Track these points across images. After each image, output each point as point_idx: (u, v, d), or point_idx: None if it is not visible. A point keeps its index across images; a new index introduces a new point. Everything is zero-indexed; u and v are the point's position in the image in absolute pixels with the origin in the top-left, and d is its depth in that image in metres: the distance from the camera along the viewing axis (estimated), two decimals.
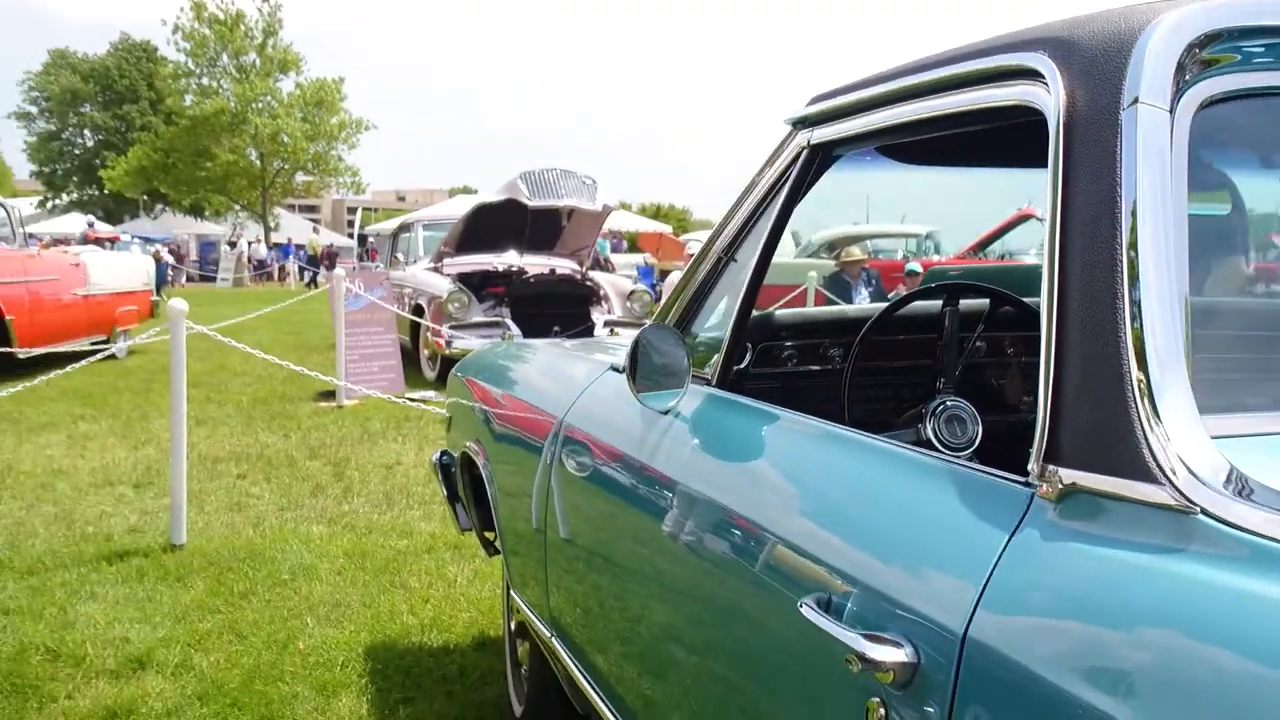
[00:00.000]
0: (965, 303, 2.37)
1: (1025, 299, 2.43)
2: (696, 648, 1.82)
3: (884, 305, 2.34)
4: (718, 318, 2.18)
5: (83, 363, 6.09)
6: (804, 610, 1.34)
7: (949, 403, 2.20)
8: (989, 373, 2.57)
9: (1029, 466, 1.20)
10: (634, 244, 34.78)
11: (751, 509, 1.63)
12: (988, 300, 2.41)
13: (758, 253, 1.97)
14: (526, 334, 10.44)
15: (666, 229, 37.52)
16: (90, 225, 36.83)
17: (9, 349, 9.79)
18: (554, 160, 13.59)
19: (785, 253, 21.74)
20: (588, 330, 10.90)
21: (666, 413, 2.02)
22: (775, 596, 1.49)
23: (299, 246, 41.64)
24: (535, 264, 11.76)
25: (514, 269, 11.55)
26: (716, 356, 2.04)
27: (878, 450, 1.53)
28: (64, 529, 5.32)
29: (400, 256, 13.66)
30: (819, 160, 1.95)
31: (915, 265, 14.30)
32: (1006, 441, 2.29)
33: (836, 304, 12.34)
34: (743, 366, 2.28)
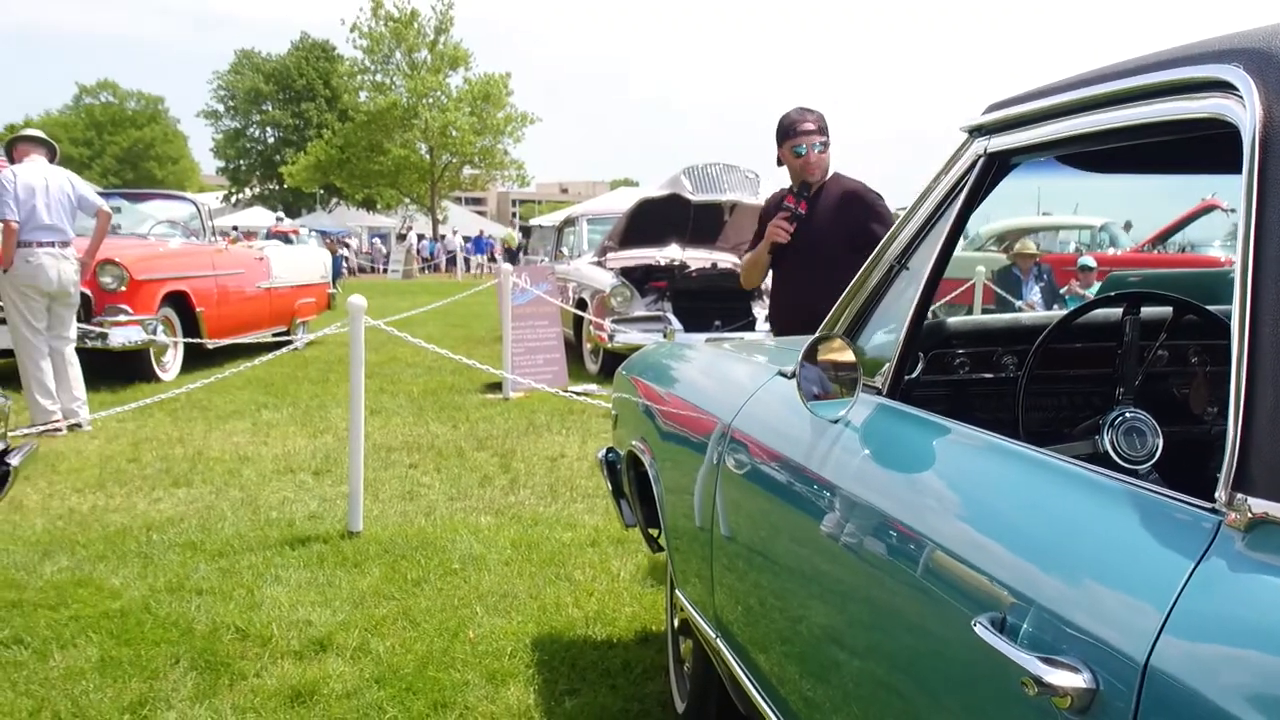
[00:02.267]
0: (1147, 310, 2.30)
1: (1210, 307, 2.34)
2: (861, 655, 1.82)
3: (1061, 314, 2.28)
4: (888, 326, 2.17)
5: (269, 356, 6.40)
6: (977, 629, 1.33)
7: (1128, 414, 2.14)
8: (1170, 383, 2.49)
9: (1216, 494, 1.18)
10: None
11: (923, 522, 1.63)
12: (1169, 308, 2.33)
13: (931, 262, 1.96)
14: (688, 328, 10.49)
15: None
16: (279, 220, 38.71)
17: (199, 339, 10.33)
18: (715, 154, 13.59)
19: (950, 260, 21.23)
20: (748, 325, 10.88)
21: (836, 421, 2.02)
22: (947, 612, 1.49)
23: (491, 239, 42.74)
24: (697, 258, 11.79)
25: (676, 263, 11.60)
26: (887, 365, 2.04)
27: (1055, 468, 1.51)
28: (250, 514, 5.61)
29: (565, 250, 13.89)
30: (996, 168, 1.92)
31: (1089, 259, 13.84)
32: (1188, 455, 2.22)
33: (1006, 299, 12.05)
34: (914, 375, 2.27)
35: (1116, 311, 2.30)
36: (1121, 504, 1.34)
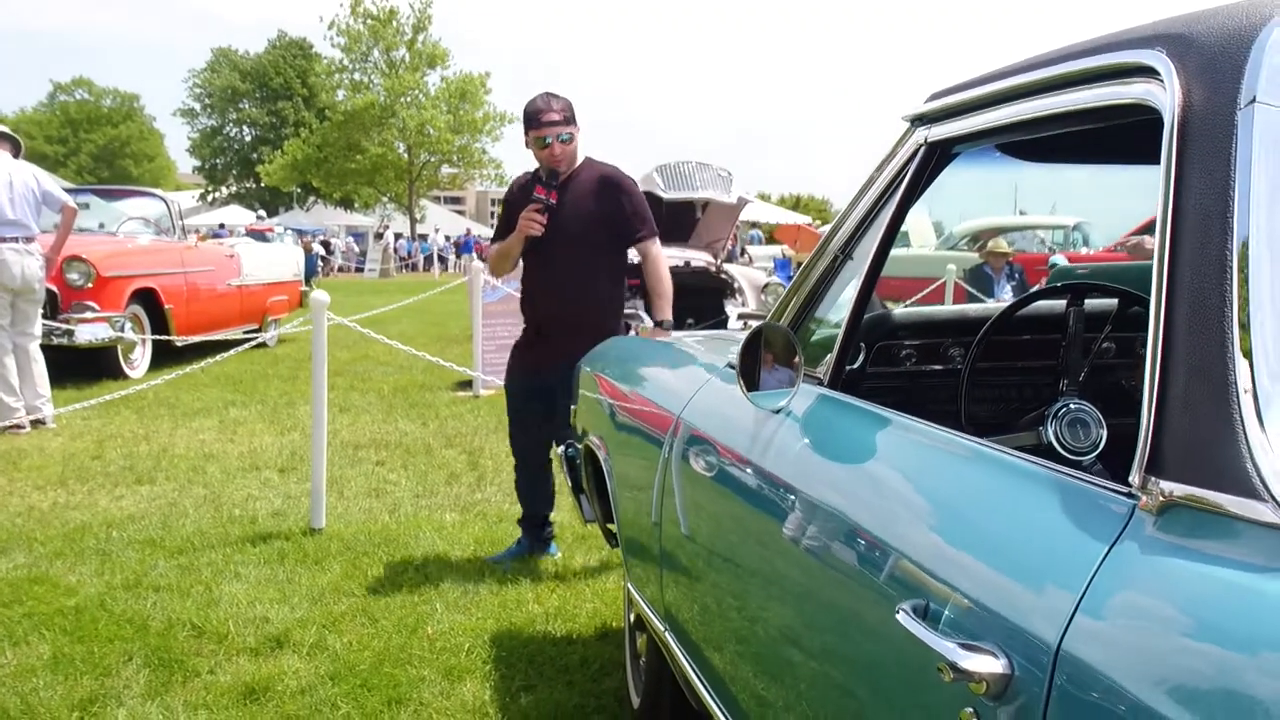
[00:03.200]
0: (1093, 302, 2.30)
1: None
2: (799, 648, 1.81)
3: (1005, 305, 2.28)
4: (831, 316, 2.16)
5: (235, 351, 6.36)
6: (900, 617, 1.33)
7: (1072, 405, 2.14)
8: (1116, 375, 2.49)
9: (1130, 477, 1.17)
10: (771, 236, 34.59)
11: (856, 512, 1.62)
12: (1115, 300, 2.33)
13: (873, 251, 1.95)
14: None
15: (806, 220, 37.18)
16: (259, 218, 38.76)
17: (167, 337, 10.26)
18: (691, 153, 13.59)
19: (925, 245, 21.34)
20: (721, 323, 10.88)
21: (778, 412, 2.01)
22: (876, 602, 1.48)
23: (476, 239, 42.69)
24: (669, 256, 11.73)
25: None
26: (829, 356, 2.03)
27: (984, 456, 1.50)
28: (212, 511, 5.56)
29: None
30: (937, 157, 1.91)
31: (1060, 258, 13.88)
32: (1133, 446, 2.22)
33: (977, 298, 12.07)
34: (857, 366, 2.26)
35: (1062, 303, 2.30)
36: (1043, 490, 1.33)
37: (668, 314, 4.64)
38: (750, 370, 2.00)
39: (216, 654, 3.73)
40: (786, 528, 1.81)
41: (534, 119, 4.46)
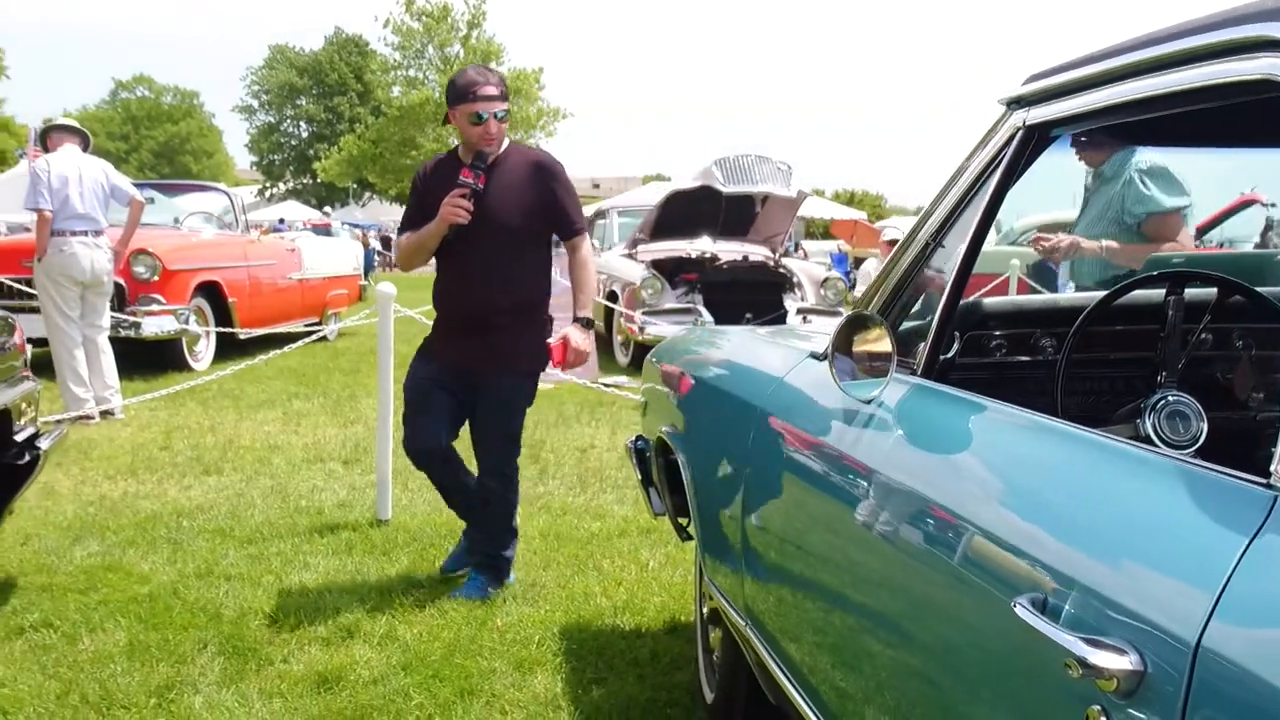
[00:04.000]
0: (1190, 292, 2.24)
1: (1258, 289, 2.28)
2: (898, 643, 1.77)
3: (1102, 294, 2.22)
4: (923, 306, 2.12)
5: (298, 344, 6.40)
6: (1018, 610, 1.28)
7: (1170, 397, 2.08)
8: (1214, 366, 2.42)
9: (1272, 467, 1.12)
10: (827, 231, 34.33)
11: (960, 504, 1.58)
12: (1214, 289, 2.27)
13: (968, 239, 1.91)
14: (719, 321, 10.43)
15: (861, 215, 36.86)
16: (325, 213, 39.35)
17: (231, 330, 10.37)
18: (748, 145, 13.51)
19: (986, 240, 21.02)
20: (780, 318, 10.82)
21: (869, 402, 1.97)
22: (985, 595, 1.44)
23: None
24: (728, 250, 11.72)
25: (707, 255, 11.54)
26: (923, 345, 1.98)
27: (1097, 445, 1.46)
28: (279, 502, 5.61)
29: (596, 243, 13.86)
30: (1035, 141, 1.87)
31: None
32: (1232, 441, 2.16)
33: (1041, 292, 11.89)
34: (949, 356, 2.21)
35: (1158, 293, 2.24)
36: (1169, 481, 1.28)
37: (589, 311, 4.25)
38: (842, 359, 1.96)
39: (289, 643, 3.75)
40: (885, 520, 1.77)
41: (468, 91, 4.01)
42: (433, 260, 4.30)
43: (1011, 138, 1.88)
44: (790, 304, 11.04)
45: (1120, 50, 1.63)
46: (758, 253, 11.95)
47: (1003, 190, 1.89)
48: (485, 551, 4.31)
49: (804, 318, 10.74)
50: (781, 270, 11.48)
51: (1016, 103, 1.90)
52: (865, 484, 1.88)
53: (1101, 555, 1.28)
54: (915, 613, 1.71)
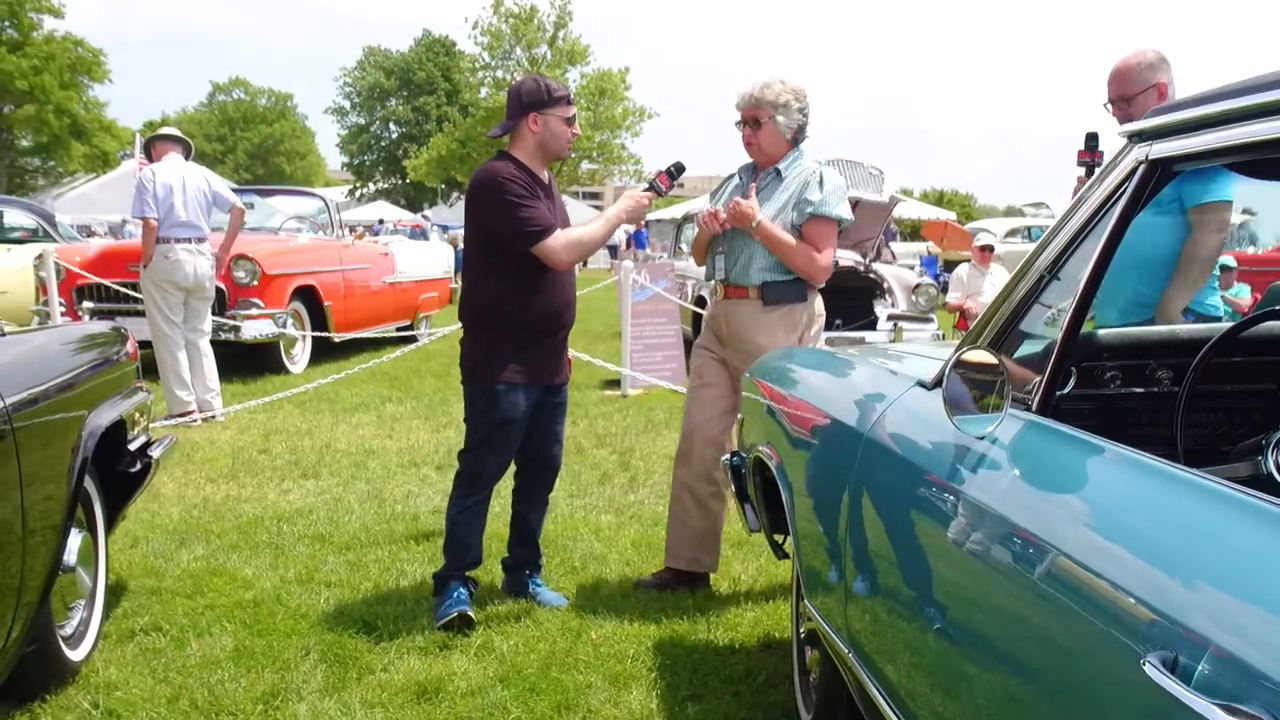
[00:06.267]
0: None
1: None
2: (1013, 687, 1.75)
3: (1224, 326, 2.17)
4: (1037, 338, 2.09)
5: (396, 354, 6.48)
6: (1147, 668, 1.26)
7: None
8: None
9: None
10: (916, 232, 33.87)
11: (1084, 550, 1.55)
12: None
13: (1087, 272, 1.87)
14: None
15: (950, 216, 36.32)
16: (425, 217, 39.92)
17: (326, 333, 10.57)
18: (838, 149, 13.39)
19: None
20: (870, 324, 10.71)
21: (983, 438, 1.95)
22: (1112, 648, 1.41)
23: None
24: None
25: None
26: (1038, 380, 1.95)
27: (1229, 497, 1.42)
28: (376, 507, 5.70)
29: (684, 247, 13.84)
30: (1159, 175, 1.83)
31: (1229, 259, 13.27)
32: None
33: None
34: (1065, 391, 2.17)
35: (1277, 324, 2.18)
36: None
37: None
38: (955, 393, 1.94)
39: (388, 652, 3.81)
40: (1003, 560, 1.75)
41: (564, 95, 4.14)
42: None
43: (1134, 171, 1.84)
44: (881, 310, 10.91)
45: (1251, 89, 1.59)
46: (848, 258, 11.82)
47: (1124, 223, 1.86)
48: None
49: (895, 324, 10.62)
50: (872, 276, 11.35)
51: (1139, 136, 1.86)
52: (978, 523, 1.86)
53: (1237, 614, 1.25)
54: (1033, 658, 1.69)
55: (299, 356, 10.55)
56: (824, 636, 2.83)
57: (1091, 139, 4.24)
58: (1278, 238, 16.66)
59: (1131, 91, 3.99)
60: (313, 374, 9.81)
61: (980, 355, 1.95)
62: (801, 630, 3.31)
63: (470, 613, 4.04)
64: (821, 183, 4.27)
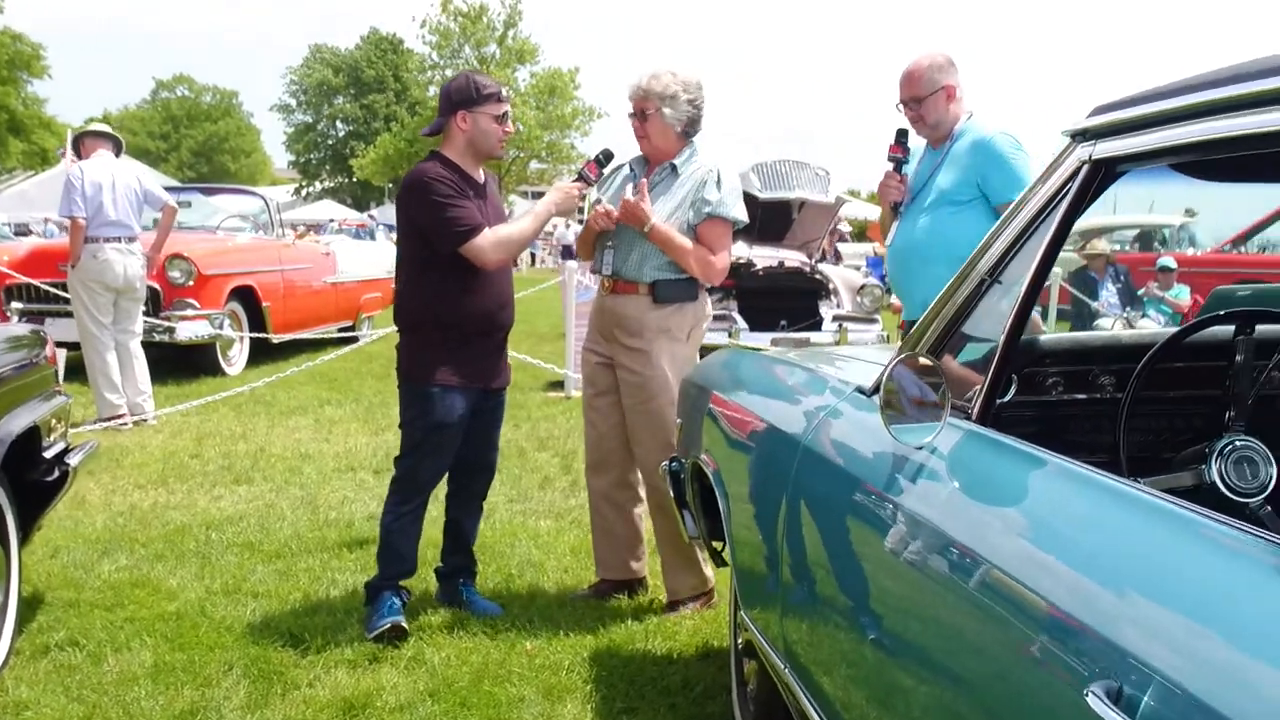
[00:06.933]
0: (1258, 328, 2.12)
1: None
2: (954, 706, 1.67)
3: (1168, 332, 2.11)
4: (977, 345, 2.01)
5: (338, 354, 6.34)
6: (1090, 700, 1.18)
7: (1238, 442, 1.97)
8: (1277, 404, 2.30)
9: None
10: (862, 233, 34.02)
11: (1024, 569, 1.47)
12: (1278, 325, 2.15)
13: (1029, 276, 1.80)
14: (753, 327, 10.31)
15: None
16: (371, 217, 39.68)
17: (265, 335, 10.37)
18: (782, 150, 13.36)
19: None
20: (815, 325, 10.68)
21: (921, 448, 1.87)
22: (1053, 675, 1.33)
23: None
24: (764, 257, 11.58)
25: (743, 261, 11.40)
26: (978, 389, 1.88)
27: (1182, 519, 1.35)
28: (309, 513, 5.55)
29: None
30: (1101, 176, 1.76)
31: (1169, 260, 13.41)
32: None
33: (1082, 301, 11.70)
34: (1005, 400, 2.10)
35: (1221, 330, 2.12)
36: (1265, 565, 1.18)
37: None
38: (893, 402, 1.86)
39: (315, 665, 3.68)
40: (939, 578, 1.67)
41: (496, 92, 4.01)
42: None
43: (1076, 172, 1.77)
44: (826, 311, 10.89)
45: (1200, 85, 1.52)
46: (794, 259, 11.80)
47: (1067, 225, 1.79)
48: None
49: (840, 325, 10.60)
50: (818, 277, 11.33)
51: (1082, 135, 1.79)
52: (916, 537, 1.78)
53: (1185, 645, 1.17)
54: (966, 675, 1.61)
55: (236, 358, 10.35)
56: (759, 649, 2.75)
57: (902, 134, 4.25)
58: (1217, 240, 16.86)
59: (922, 93, 4.10)
60: (250, 376, 9.62)
61: (919, 362, 1.87)
62: (739, 641, 3.23)
63: (403, 623, 3.92)
64: (719, 183, 4.16)
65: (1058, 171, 1.83)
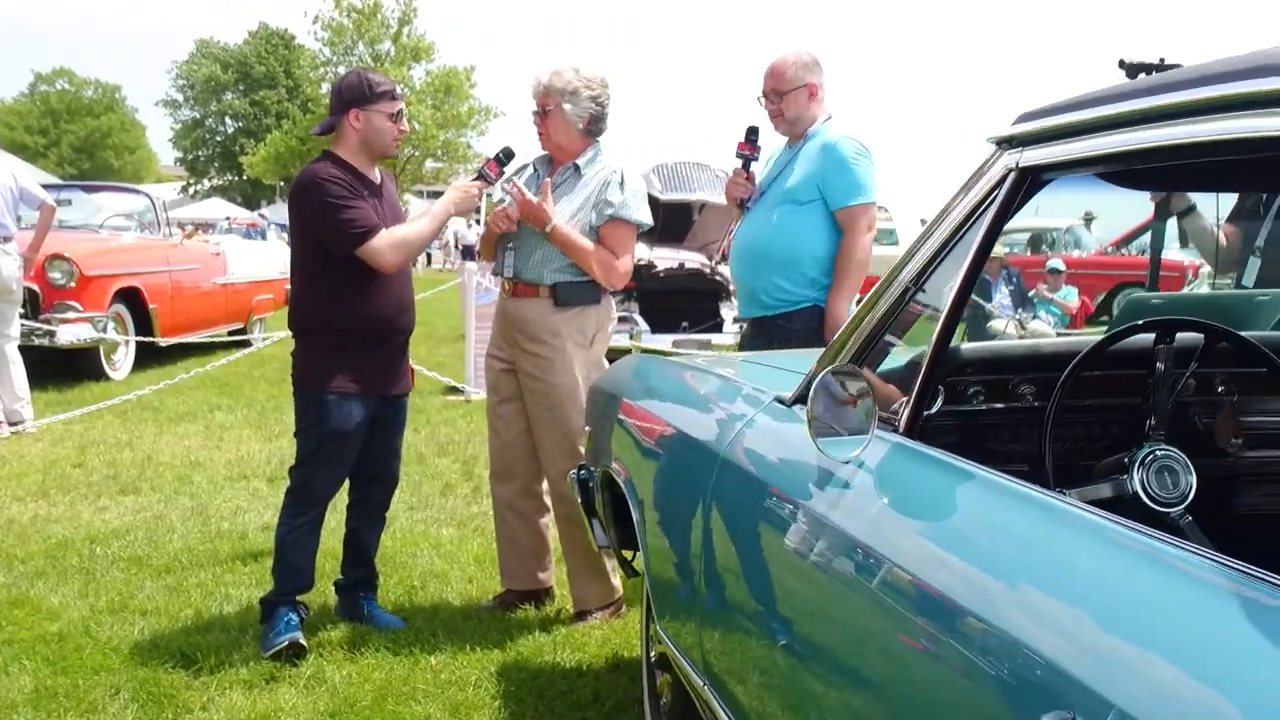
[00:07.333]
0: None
1: (1242, 333, 2.17)
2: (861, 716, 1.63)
3: (1089, 341, 2.10)
4: (901, 355, 1.98)
5: (226, 360, 6.14)
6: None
7: (1159, 451, 1.97)
8: (1191, 412, 2.31)
9: None
10: None
11: (955, 590, 1.43)
12: (1199, 334, 2.15)
13: (956, 286, 1.77)
14: (655, 329, 10.30)
15: None
16: (262, 216, 38.86)
17: (151, 338, 10.03)
18: (686, 153, 13.34)
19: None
20: (716, 326, 10.71)
21: (848, 462, 1.82)
22: (999, 700, 1.29)
23: None
24: (665, 258, 11.58)
25: (643, 263, 11.37)
26: (904, 401, 1.84)
27: (1123, 537, 1.32)
28: (200, 525, 5.35)
29: None
30: (1028, 184, 1.73)
31: (1058, 262, 13.75)
32: (1212, 492, 2.05)
33: (977, 303, 11.90)
34: (933, 412, 2.07)
35: (1140, 339, 2.12)
36: (1214, 589, 1.15)
37: None
38: (820, 414, 1.80)
39: (209, 687, 3.52)
40: (871, 597, 1.62)
41: (391, 90, 3.89)
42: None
43: (1002, 180, 1.74)
44: (727, 312, 10.92)
45: (1131, 94, 1.50)
46: (694, 260, 11.81)
47: (993, 235, 1.76)
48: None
49: (741, 325, 10.63)
50: (718, 278, 11.35)
51: (1008, 142, 1.76)
52: (846, 553, 1.73)
53: (1142, 674, 1.13)
54: (889, 693, 1.58)
55: (121, 363, 10.00)
56: (674, 662, 2.69)
57: (752, 132, 4.28)
58: (1100, 242, 17.34)
59: (785, 88, 4.13)
60: (136, 381, 9.29)
61: (845, 374, 1.82)
62: (652, 653, 3.17)
63: (301, 640, 3.78)
64: (622, 184, 4.10)
65: (983, 179, 1.80)
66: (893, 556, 1.60)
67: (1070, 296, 13.02)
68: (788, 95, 4.13)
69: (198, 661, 3.68)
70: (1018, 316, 11.14)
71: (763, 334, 4.16)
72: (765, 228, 4.14)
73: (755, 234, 4.18)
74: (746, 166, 4.27)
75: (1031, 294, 12.74)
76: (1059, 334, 11.40)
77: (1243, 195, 3.45)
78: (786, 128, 4.22)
